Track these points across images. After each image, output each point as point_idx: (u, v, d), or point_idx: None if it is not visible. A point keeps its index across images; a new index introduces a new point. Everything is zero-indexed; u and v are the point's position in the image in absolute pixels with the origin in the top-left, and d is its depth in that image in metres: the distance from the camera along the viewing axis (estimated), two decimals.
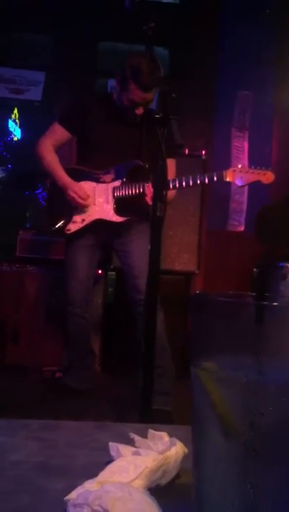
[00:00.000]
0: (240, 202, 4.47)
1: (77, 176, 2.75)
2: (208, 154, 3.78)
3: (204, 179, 2.49)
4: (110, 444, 0.57)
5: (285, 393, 0.39)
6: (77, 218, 2.76)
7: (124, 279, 2.80)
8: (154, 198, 1.85)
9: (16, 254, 3.68)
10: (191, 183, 2.51)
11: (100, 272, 3.04)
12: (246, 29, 4.32)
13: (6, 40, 4.86)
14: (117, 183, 2.70)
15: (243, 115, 4.55)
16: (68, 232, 2.77)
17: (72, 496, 0.47)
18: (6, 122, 4.83)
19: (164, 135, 1.83)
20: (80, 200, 2.70)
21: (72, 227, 2.76)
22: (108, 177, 2.73)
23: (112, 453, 0.55)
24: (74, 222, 2.76)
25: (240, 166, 2.55)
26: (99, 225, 2.73)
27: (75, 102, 2.93)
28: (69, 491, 0.48)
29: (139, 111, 2.65)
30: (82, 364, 2.90)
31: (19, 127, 4.92)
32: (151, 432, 0.60)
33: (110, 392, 3.04)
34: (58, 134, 2.81)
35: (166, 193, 1.83)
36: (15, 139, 4.87)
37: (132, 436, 0.59)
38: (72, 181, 2.72)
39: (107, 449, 0.56)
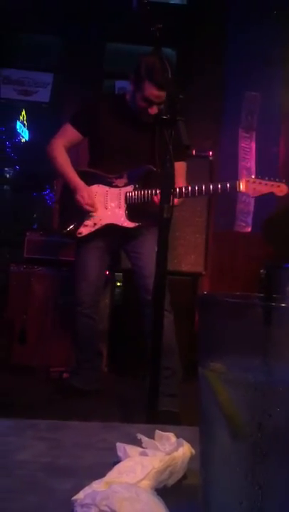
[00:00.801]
0: (248, 203, 4.46)
1: (90, 179, 2.74)
2: (216, 155, 3.77)
3: (217, 188, 2.48)
4: (117, 444, 0.57)
5: None
6: (88, 222, 2.75)
7: (134, 280, 2.80)
8: (161, 200, 1.86)
9: (23, 255, 3.69)
10: (204, 191, 2.50)
11: (107, 272, 3.05)
12: (254, 30, 4.31)
13: (14, 41, 4.88)
14: (130, 188, 2.70)
15: (251, 116, 4.54)
16: (80, 235, 2.77)
17: (80, 496, 0.47)
18: (14, 124, 4.86)
19: (172, 136, 1.83)
20: (86, 206, 2.70)
21: (84, 231, 2.76)
22: (121, 181, 2.72)
23: (120, 453, 0.55)
24: (85, 225, 2.76)
25: (253, 177, 2.51)
26: (110, 229, 2.72)
27: (88, 103, 2.89)
28: (76, 491, 0.48)
29: (153, 110, 2.62)
30: (89, 365, 2.90)
31: (27, 129, 4.95)
32: (158, 432, 0.60)
33: (117, 393, 3.04)
34: (69, 134, 2.80)
35: (173, 196, 1.83)
36: (23, 140, 4.90)
37: (139, 437, 0.59)
38: (84, 185, 2.72)
39: (114, 450, 0.56)
